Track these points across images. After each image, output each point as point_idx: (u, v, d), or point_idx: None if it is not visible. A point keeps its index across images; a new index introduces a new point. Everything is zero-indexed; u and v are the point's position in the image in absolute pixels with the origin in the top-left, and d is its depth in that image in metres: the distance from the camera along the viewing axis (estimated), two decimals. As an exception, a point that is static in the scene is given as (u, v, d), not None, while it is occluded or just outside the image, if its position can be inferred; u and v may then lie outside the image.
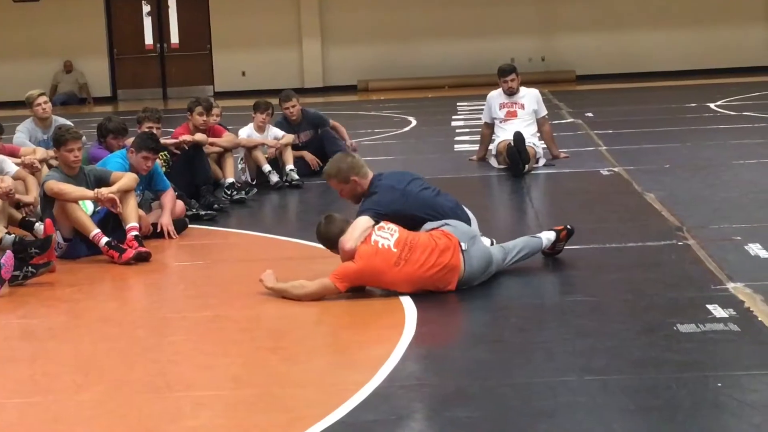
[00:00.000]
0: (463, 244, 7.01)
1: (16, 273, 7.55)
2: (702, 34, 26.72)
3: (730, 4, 26.64)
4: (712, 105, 18.46)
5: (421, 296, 6.85)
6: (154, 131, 10.18)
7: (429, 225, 7.25)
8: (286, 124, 12.55)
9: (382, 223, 7.09)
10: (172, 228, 9.20)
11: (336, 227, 7.12)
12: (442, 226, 7.17)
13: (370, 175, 7.54)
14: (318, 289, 6.93)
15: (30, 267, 7.64)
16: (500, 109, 12.54)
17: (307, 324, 6.66)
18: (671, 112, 17.91)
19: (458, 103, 21.38)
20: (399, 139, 16.21)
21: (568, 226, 7.70)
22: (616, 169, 11.70)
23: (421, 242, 6.95)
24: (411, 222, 7.26)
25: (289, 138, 12.12)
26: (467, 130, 16.43)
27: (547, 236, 7.62)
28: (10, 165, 9.72)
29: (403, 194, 7.43)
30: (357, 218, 7.16)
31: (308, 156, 12.39)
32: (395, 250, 6.89)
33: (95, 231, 8.40)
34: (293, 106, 12.58)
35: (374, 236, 6.96)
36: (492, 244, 7.46)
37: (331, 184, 7.69)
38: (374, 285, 7.00)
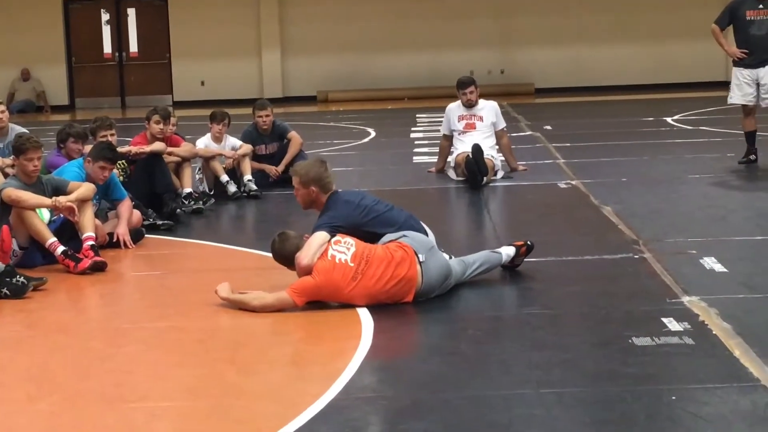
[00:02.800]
0: (420, 256, 7.01)
1: None
2: (659, 48, 26.92)
3: (688, 20, 26.83)
4: (668, 119, 18.61)
5: (378, 308, 6.85)
6: (109, 138, 10.13)
7: (387, 237, 7.25)
8: (255, 133, 12.49)
9: (338, 237, 7.07)
10: (128, 238, 9.16)
11: (291, 244, 7.09)
12: (400, 237, 7.17)
13: (332, 190, 7.55)
14: (275, 302, 6.90)
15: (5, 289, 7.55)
16: (459, 121, 12.57)
17: (264, 335, 6.64)
18: (628, 125, 18.03)
19: (417, 115, 21.41)
20: (358, 151, 16.21)
21: (528, 242, 7.72)
22: (573, 182, 11.75)
23: (377, 256, 6.94)
24: (368, 236, 7.26)
25: (247, 148, 12.08)
26: (426, 141, 16.47)
27: (507, 252, 7.64)
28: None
29: (357, 207, 7.47)
30: (313, 234, 7.14)
31: (268, 166, 12.35)
32: (352, 264, 6.88)
33: (52, 239, 8.34)
34: (267, 116, 12.51)
35: (331, 251, 6.95)
36: (450, 258, 7.46)
37: (293, 181, 7.70)
38: (331, 299, 6.98)
